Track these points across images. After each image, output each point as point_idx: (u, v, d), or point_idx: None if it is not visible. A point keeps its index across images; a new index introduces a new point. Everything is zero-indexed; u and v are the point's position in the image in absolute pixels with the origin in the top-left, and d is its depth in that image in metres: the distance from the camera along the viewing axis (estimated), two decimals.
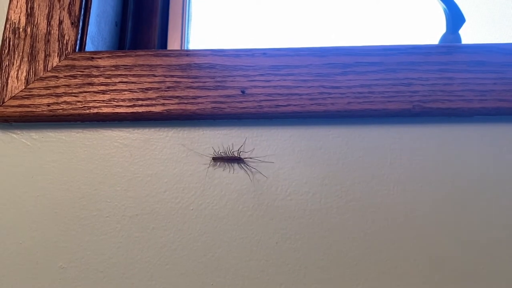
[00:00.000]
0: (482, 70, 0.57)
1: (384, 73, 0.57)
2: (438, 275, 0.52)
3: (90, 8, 0.63)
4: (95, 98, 0.57)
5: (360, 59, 0.58)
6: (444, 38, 0.69)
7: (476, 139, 0.56)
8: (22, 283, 0.53)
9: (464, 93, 0.56)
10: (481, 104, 0.55)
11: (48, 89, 0.57)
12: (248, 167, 0.55)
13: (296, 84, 0.57)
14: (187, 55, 0.59)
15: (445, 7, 0.67)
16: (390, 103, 0.56)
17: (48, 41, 0.60)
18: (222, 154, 0.56)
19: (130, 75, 0.58)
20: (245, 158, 0.56)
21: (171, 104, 0.56)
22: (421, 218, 0.54)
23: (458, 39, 0.69)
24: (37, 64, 0.59)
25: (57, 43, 0.60)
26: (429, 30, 0.80)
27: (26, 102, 0.57)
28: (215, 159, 0.56)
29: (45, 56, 0.59)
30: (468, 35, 0.73)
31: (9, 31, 0.60)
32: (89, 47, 0.62)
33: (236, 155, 0.56)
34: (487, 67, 0.57)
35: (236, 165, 0.55)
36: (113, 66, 0.58)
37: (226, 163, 0.56)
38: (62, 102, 0.57)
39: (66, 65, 0.59)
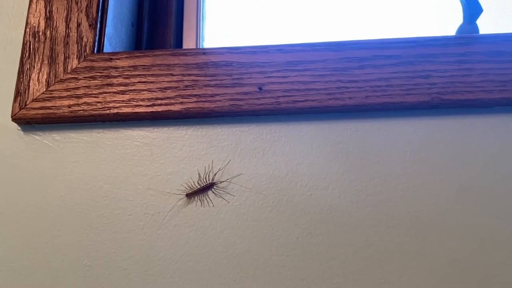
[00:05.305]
0: (502, 60, 0.56)
1: (402, 65, 0.57)
2: (459, 269, 0.51)
3: (107, 9, 0.64)
4: (115, 99, 0.58)
5: (377, 52, 0.57)
6: (461, 29, 0.68)
7: (497, 130, 0.55)
8: (49, 281, 0.54)
9: (483, 84, 0.55)
10: (501, 94, 0.55)
11: (69, 91, 0.58)
12: (219, 191, 0.55)
13: (313, 79, 0.57)
14: (203, 53, 0.59)
15: None
16: (409, 96, 0.55)
17: (67, 43, 0.61)
18: (194, 187, 0.55)
19: (149, 75, 0.58)
20: (218, 181, 0.55)
21: (190, 102, 0.57)
22: (442, 211, 0.53)
23: (476, 29, 0.68)
24: (57, 66, 0.60)
25: (76, 45, 0.61)
26: (446, 21, 0.79)
27: (48, 104, 0.58)
28: (189, 195, 0.55)
29: (65, 58, 0.60)
30: (486, 25, 0.72)
31: (29, 35, 0.61)
32: (107, 48, 0.63)
33: (207, 182, 0.55)
34: (506, 57, 0.56)
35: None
36: (132, 66, 0.59)
37: (201, 195, 0.55)
38: (83, 103, 0.58)
39: (85, 67, 0.59)
